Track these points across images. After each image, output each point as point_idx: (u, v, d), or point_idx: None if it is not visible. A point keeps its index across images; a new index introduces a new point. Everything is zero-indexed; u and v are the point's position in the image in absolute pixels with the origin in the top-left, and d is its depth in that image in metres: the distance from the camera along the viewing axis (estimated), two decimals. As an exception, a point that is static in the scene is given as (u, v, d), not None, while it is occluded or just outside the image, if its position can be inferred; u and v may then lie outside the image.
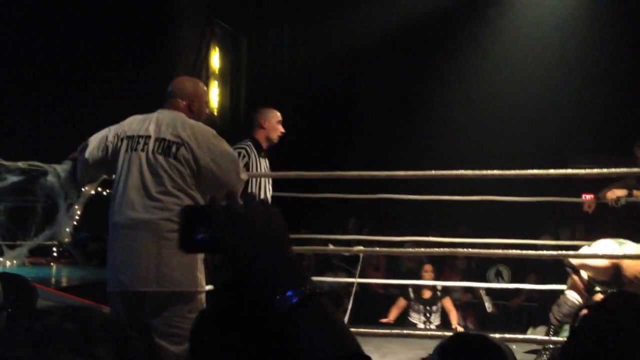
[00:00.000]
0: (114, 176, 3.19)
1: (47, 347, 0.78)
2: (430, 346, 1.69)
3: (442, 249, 4.84)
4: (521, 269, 7.36)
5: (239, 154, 4.38)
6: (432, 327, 6.85)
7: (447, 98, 9.05)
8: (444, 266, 7.94)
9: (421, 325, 6.83)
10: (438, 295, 6.98)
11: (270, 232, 1.06)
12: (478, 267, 7.86)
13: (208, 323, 1.36)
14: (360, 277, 6.62)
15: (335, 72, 9.11)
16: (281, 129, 4.82)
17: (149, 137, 3.08)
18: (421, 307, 6.93)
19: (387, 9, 8.69)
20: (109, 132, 3.21)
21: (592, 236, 5.39)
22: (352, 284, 6.41)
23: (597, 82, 8.48)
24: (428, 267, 6.94)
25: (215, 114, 8.06)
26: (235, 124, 8.76)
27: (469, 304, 7.62)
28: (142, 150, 3.07)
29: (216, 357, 1.31)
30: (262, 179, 4.74)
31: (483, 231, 5.67)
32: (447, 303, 6.98)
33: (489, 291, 7.21)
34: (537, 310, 6.76)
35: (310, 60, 8.97)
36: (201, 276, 3.05)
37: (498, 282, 7.47)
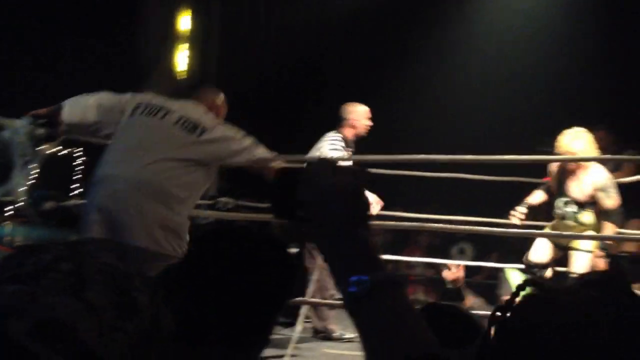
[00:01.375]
0: (109, 140, 3.15)
1: (36, 285, 0.71)
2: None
3: (407, 223, 4.83)
4: (484, 247, 7.45)
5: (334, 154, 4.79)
6: None
7: (420, 78, 9.03)
8: (409, 242, 8.01)
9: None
10: None
11: (345, 209, 0.93)
12: (441, 244, 7.94)
13: (174, 276, 1.33)
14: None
15: (311, 45, 9.00)
16: (369, 123, 5.07)
17: (171, 111, 3.14)
18: None
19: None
20: (125, 95, 3.23)
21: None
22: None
23: (564, 68, 8.56)
24: None
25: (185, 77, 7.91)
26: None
27: (431, 279, 7.70)
28: (162, 118, 3.10)
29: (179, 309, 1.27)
30: None
31: (451, 209, 5.70)
32: None
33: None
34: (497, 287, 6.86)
35: (286, 30, 8.83)
36: (184, 244, 2.98)
37: (461, 259, 7.55)
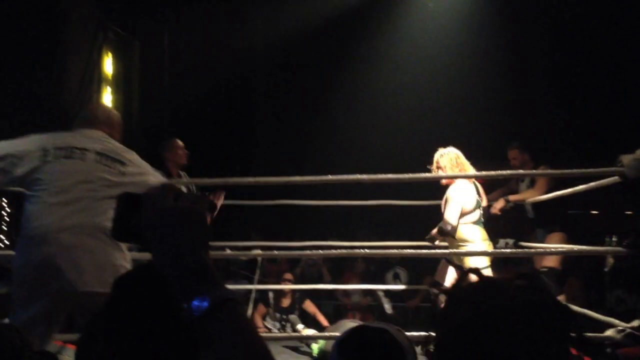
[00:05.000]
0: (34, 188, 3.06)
1: None
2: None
3: (339, 251, 4.90)
4: (418, 271, 7.56)
5: None
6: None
7: (344, 103, 9.16)
8: (343, 270, 8.06)
9: (275, 331, 6.81)
10: (296, 303, 6.95)
11: (185, 232, 0.99)
12: (376, 270, 8.02)
13: (100, 322, 1.36)
14: (260, 284, 6.61)
15: (232, 77, 9.04)
16: (185, 153, 5.67)
17: (85, 149, 3.12)
18: (277, 315, 6.92)
19: (285, 13, 8.71)
20: (26, 139, 3.14)
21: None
22: (251, 290, 6.43)
23: (479, 88, 8.81)
24: (288, 276, 6.98)
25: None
26: (129, 130, 8.49)
27: (368, 306, 7.77)
28: (82, 159, 3.09)
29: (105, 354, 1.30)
30: None
31: (381, 235, 5.79)
32: (309, 306, 6.95)
33: (387, 293, 7.37)
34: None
35: (205, 63, 8.83)
36: None
37: (396, 284, 7.66)
